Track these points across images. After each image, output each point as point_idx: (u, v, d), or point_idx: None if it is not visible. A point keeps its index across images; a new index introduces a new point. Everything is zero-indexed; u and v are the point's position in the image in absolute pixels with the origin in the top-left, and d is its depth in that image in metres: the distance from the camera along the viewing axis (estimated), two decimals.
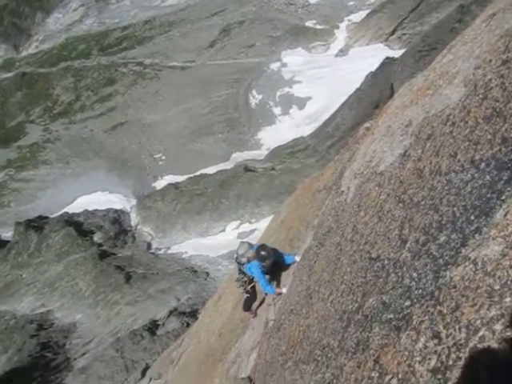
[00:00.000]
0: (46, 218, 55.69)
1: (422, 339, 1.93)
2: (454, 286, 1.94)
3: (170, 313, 35.75)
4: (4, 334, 42.53)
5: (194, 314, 32.94)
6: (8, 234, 58.11)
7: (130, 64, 68.85)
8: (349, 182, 5.10)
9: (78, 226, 52.57)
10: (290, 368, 3.72)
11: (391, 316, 2.45)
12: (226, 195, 48.50)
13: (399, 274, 2.70)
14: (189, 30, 69.33)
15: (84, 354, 36.46)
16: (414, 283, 2.48)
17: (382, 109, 6.21)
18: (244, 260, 7.23)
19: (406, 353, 1.98)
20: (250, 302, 7.84)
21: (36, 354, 37.20)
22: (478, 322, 1.67)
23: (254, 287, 7.60)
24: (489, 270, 1.84)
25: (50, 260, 50.03)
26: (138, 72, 67.49)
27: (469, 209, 2.48)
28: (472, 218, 2.38)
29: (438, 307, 1.95)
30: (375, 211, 3.73)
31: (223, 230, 47.72)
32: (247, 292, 7.64)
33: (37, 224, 53.72)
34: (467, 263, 1.99)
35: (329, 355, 3.02)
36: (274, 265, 6.99)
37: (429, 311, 2.02)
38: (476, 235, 2.22)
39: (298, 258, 6.57)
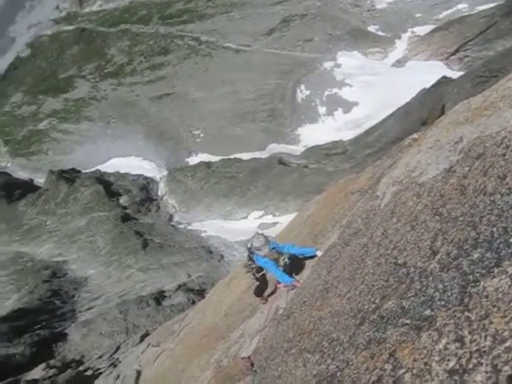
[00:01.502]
0: (79, 171, 57.13)
1: (444, 341, 1.90)
2: (486, 296, 1.90)
3: (179, 287, 36.18)
4: (19, 275, 44.06)
5: (201, 293, 33.22)
6: (41, 181, 59.96)
7: (186, 37, 69.42)
8: (385, 188, 5.04)
9: (107, 186, 53.69)
10: (293, 355, 3.73)
11: (408, 321, 2.43)
12: (255, 183, 48.58)
13: (424, 283, 2.66)
14: (249, 14, 69.24)
15: (90, 308, 37.38)
16: (437, 294, 2.44)
17: (433, 123, 6.09)
18: (259, 253, 7.11)
19: (425, 351, 1.96)
20: (261, 289, 7.78)
21: (45, 299, 38.34)
22: (506, 332, 1.64)
23: (264, 275, 7.54)
24: None
25: (74, 213, 51.34)
26: (192, 47, 67.99)
27: (509, 231, 2.42)
28: (511, 240, 2.33)
29: (467, 313, 1.92)
30: (409, 220, 3.68)
31: (246, 217, 47.90)
32: (257, 279, 7.59)
33: (69, 176, 55.15)
34: (503, 276, 1.95)
35: (336, 349, 3.02)
36: (290, 259, 6.95)
37: (455, 315, 1.98)
38: None
39: (319, 253, 6.52)
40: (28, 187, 58.08)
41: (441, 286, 2.48)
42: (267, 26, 65.79)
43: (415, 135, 6.81)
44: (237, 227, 46.80)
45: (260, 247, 6.96)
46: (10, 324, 31.30)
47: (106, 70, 71.70)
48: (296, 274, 6.91)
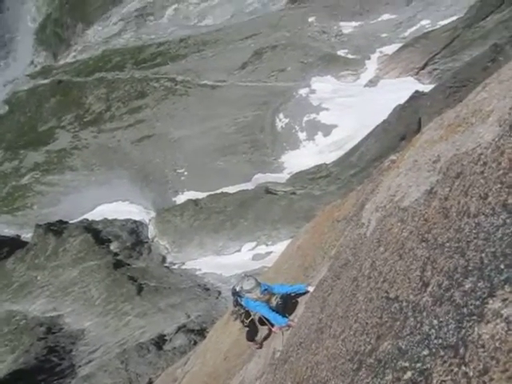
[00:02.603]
0: (66, 222, 56.47)
1: None
2: (483, 346, 1.75)
3: (179, 329, 35.51)
4: (13, 334, 42.81)
5: (202, 333, 32.61)
6: (28, 236, 59.09)
7: (161, 79, 70.32)
8: (370, 215, 4.95)
9: (96, 234, 53.09)
10: None
11: (407, 364, 2.28)
12: (245, 215, 48.43)
13: (418, 318, 2.52)
14: (222, 51, 70.63)
15: (89, 362, 36.36)
16: (433, 331, 2.30)
17: (409, 142, 6.07)
18: (249, 296, 6.70)
19: None
20: (252, 334, 7.40)
21: (42, 357, 37.27)
22: None
23: (253, 320, 7.14)
24: None
25: (65, 264, 50.49)
26: (168, 88, 68.83)
27: (498, 256, 2.31)
28: (502, 266, 2.22)
29: (464, 368, 1.76)
30: (396, 248, 3.57)
31: (239, 250, 47.51)
32: (246, 326, 7.21)
33: (56, 228, 54.47)
34: (498, 321, 1.80)
35: None
36: (282, 299, 6.65)
37: (452, 370, 1.83)
38: (506, 286, 2.05)
39: (310, 289, 6.30)
40: (15, 243, 57.12)
41: (436, 321, 2.34)
42: (240, 60, 67.03)
43: (393, 156, 6.79)
44: (231, 261, 46.35)
45: (251, 289, 6.60)
46: None
47: (85, 119, 72.01)
48: (290, 313, 6.64)
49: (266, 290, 6.56)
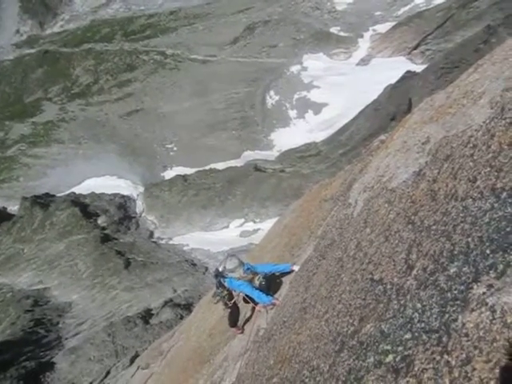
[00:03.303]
0: (53, 196, 55.96)
1: None
2: (467, 335, 1.71)
3: (165, 303, 35.73)
4: (0, 307, 42.81)
5: (188, 307, 32.86)
6: (14, 208, 58.55)
7: (151, 52, 68.96)
8: (357, 195, 4.91)
9: (83, 208, 52.74)
10: None
11: (389, 347, 2.26)
12: (233, 192, 48.41)
13: (402, 301, 2.50)
14: (213, 25, 69.27)
15: (76, 334, 36.54)
16: (416, 315, 2.28)
17: (399, 122, 6.00)
18: (232, 275, 6.67)
19: None
20: (234, 318, 7.37)
21: (29, 329, 37.34)
22: (493, 382, 1.45)
23: (235, 302, 7.10)
24: (509, 321, 1.62)
25: (52, 238, 50.26)
26: (158, 61, 67.57)
27: (485, 241, 2.28)
28: (488, 251, 2.19)
29: (446, 356, 1.73)
30: (382, 230, 3.54)
31: (227, 227, 47.63)
32: (229, 307, 7.16)
33: (43, 201, 53.98)
34: (483, 309, 1.76)
35: (317, 379, 2.83)
36: (265, 278, 6.59)
37: (434, 359, 1.80)
38: (491, 272, 2.02)
39: (296, 268, 6.28)
40: (1, 216, 56.56)
41: (419, 305, 2.32)
42: (231, 34, 65.87)
43: (383, 136, 6.71)
44: (219, 238, 46.51)
45: (234, 269, 6.57)
46: None
47: (72, 91, 70.59)
48: (274, 292, 6.60)
49: (248, 269, 6.50)
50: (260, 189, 47.33)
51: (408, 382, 1.83)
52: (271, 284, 6.62)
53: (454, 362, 1.67)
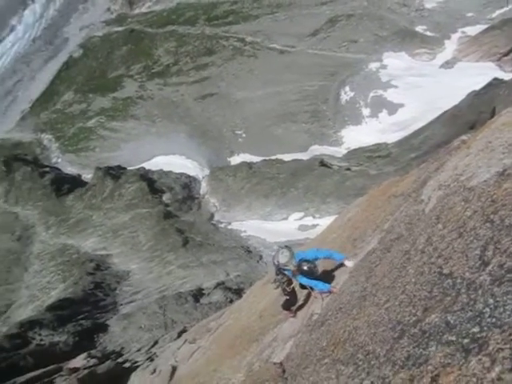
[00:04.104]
0: (124, 168, 58.63)
1: (497, 369, 1.66)
2: None
3: (217, 285, 36.36)
4: (65, 266, 45.73)
5: (238, 292, 33.22)
6: (88, 176, 61.96)
7: (231, 38, 69.86)
8: (431, 192, 4.75)
9: (150, 183, 54.82)
10: (326, 365, 3.53)
11: (453, 338, 2.20)
12: (296, 185, 48.23)
13: (472, 296, 2.41)
14: (295, 15, 68.85)
15: (130, 302, 38.18)
16: (488, 310, 2.20)
17: (484, 124, 5.71)
18: (287, 268, 6.69)
19: (474, 379, 1.72)
20: (290, 303, 7.41)
21: (89, 290, 39.46)
22: None
23: (294, 288, 7.12)
24: None
25: (119, 208, 52.73)
26: (237, 47, 68.34)
27: None
28: None
29: None
30: (456, 226, 3.41)
31: (286, 218, 47.62)
32: (287, 294, 7.19)
33: (114, 172, 56.69)
34: None
35: (372, 362, 2.81)
36: (311, 263, 6.53)
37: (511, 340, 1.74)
38: None
39: (348, 263, 6.20)
40: (76, 182, 60.15)
41: (492, 300, 2.23)
42: (312, 26, 65.17)
43: (464, 137, 6.42)
44: (276, 228, 46.62)
45: (286, 263, 6.59)
46: (55, 313, 32.43)
47: (152, 70, 73.22)
48: (331, 281, 6.55)
49: (300, 260, 6.50)
50: (323, 184, 46.79)
51: (480, 359, 1.77)
52: (329, 272, 6.56)
53: None
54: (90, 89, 75.70)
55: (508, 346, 1.73)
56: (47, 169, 62.04)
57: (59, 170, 64.09)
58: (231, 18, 73.93)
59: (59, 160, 67.79)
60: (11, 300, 44.54)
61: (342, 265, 6.64)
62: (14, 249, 51.60)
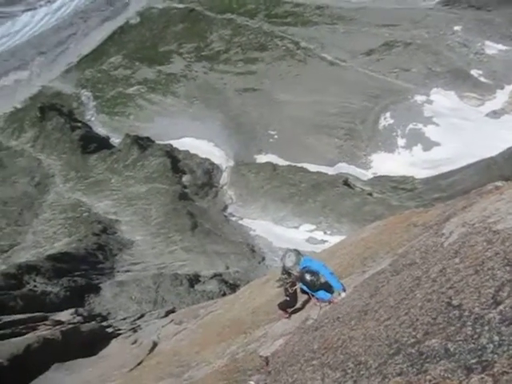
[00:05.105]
0: (152, 141, 59.23)
1: None
2: None
3: (215, 275, 36.51)
4: (74, 221, 46.47)
5: (233, 288, 33.28)
6: (116, 141, 62.80)
7: (285, 39, 69.88)
8: (454, 228, 4.70)
9: (174, 161, 55.29)
10: (313, 366, 3.54)
11: (451, 366, 2.19)
12: (315, 197, 48.08)
13: (477, 330, 2.39)
14: (353, 31, 68.54)
15: (127, 271, 38.56)
16: (491, 346, 2.18)
17: None
18: (292, 272, 6.77)
19: None
20: (288, 305, 7.41)
21: (91, 250, 39.97)
22: None
23: (296, 291, 7.15)
24: None
25: (138, 178, 53.33)
26: (289, 49, 68.36)
27: None
28: None
29: None
30: (474, 263, 3.37)
31: (297, 227, 47.51)
32: (288, 295, 7.19)
33: (142, 143, 57.34)
34: None
35: (361, 372, 2.81)
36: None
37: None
38: None
39: (342, 295, 6.02)
40: (103, 144, 60.99)
41: (497, 338, 2.21)
42: (368, 46, 64.77)
43: (499, 183, 6.33)
44: (285, 234, 46.55)
45: (291, 268, 6.71)
46: (53, 264, 32.93)
47: (202, 53, 73.71)
48: (332, 292, 6.51)
49: (304, 267, 6.50)
50: (342, 204, 46.55)
51: (483, 378, 1.76)
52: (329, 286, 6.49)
53: None
54: (138, 57, 76.63)
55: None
56: (79, 124, 63.05)
57: (90, 128, 65.06)
58: (290, 19, 73.98)
59: (92, 118, 68.82)
60: (16, 241, 45.45)
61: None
62: (29, 193, 52.63)
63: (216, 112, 63.44)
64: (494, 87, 57.59)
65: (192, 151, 58.31)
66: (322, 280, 6.41)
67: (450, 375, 2.01)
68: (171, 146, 58.95)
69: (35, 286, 28.96)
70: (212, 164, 57.76)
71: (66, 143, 58.48)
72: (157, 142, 59.40)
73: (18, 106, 69.82)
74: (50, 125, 60.18)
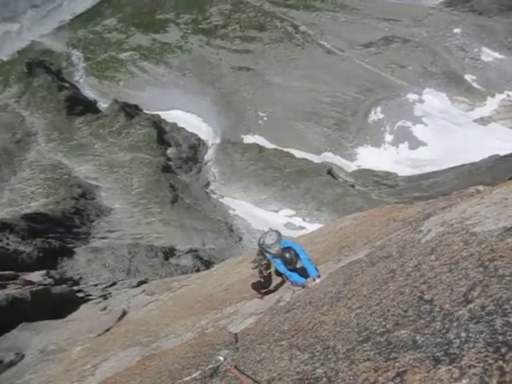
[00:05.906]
0: (140, 110, 58.45)
1: (465, 381, 1.71)
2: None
3: (190, 250, 36.63)
4: (53, 183, 45.81)
5: (207, 265, 33.51)
6: (103, 105, 61.81)
7: (285, 21, 69.18)
8: (432, 226, 4.78)
9: (160, 133, 54.77)
10: (282, 346, 3.59)
11: (417, 356, 2.25)
12: (298, 183, 48.33)
13: (446, 325, 2.46)
14: (354, 21, 68.22)
15: (103, 238, 38.38)
16: (458, 341, 2.24)
17: (505, 180, 5.74)
18: (269, 250, 6.83)
19: None
20: (261, 286, 7.46)
21: (68, 214, 39.59)
22: None
23: (270, 273, 7.19)
24: None
25: (122, 146, 52.72)
26: (288, 32, 67.72)
27: None
28: None
29: (501, 362, 1.71)
30: (449, 262, 3.45)
31: (276, 211, 47.83)
32: (262, 277, 7.22)
33: (130, 110, 56.56)
34: None
35: (329, 356, 2.86)
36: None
37: (486, 361, 1.78)
38: None
39: (316, 281, 6.01)
40: (90, 107, 59.97)
41: (464, 334, 2.27)
42: (367, 38, 64.57)
43: (481, 187, 6.43)
44: (265, 217, 46.84)
45: (271, 245, 6.73)
46: (28, 223, 32.55)
47: (200, 26, 72.47)
48: (306, 277, 6.59)
49: (285, 248, 6.57)
50: (323, 192, 46.93)
51: (450, 370, 1.82)
52: (305, 269, 6.55)
53: (508, 369, 1.64)
54: (133, 22, 75.05)
55: (481, 365, 1.78)
56: (67, 84, 61.77)
57: (78, 89, 63.81)
58: (293, 1, 73.13)
59: (81, 80, 67.47)
60: None
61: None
62: (9, 149, 51.52)
63: (208, 87, 62.86)
64: (485, 94, 58.28)
65: (180, 124, 57.83)
66: (299, 264, 6.48)
67: (418, 364, 2.06)
68: (159, 116, 58.36)
69: (8, 244, 28.58)
70: (198, 139, 57.45)
71: (51, 102, 57.28)
72: (145, 111, 58.71)
73: (4, 59, 67.93)
74: (36, 82, 58.79)
